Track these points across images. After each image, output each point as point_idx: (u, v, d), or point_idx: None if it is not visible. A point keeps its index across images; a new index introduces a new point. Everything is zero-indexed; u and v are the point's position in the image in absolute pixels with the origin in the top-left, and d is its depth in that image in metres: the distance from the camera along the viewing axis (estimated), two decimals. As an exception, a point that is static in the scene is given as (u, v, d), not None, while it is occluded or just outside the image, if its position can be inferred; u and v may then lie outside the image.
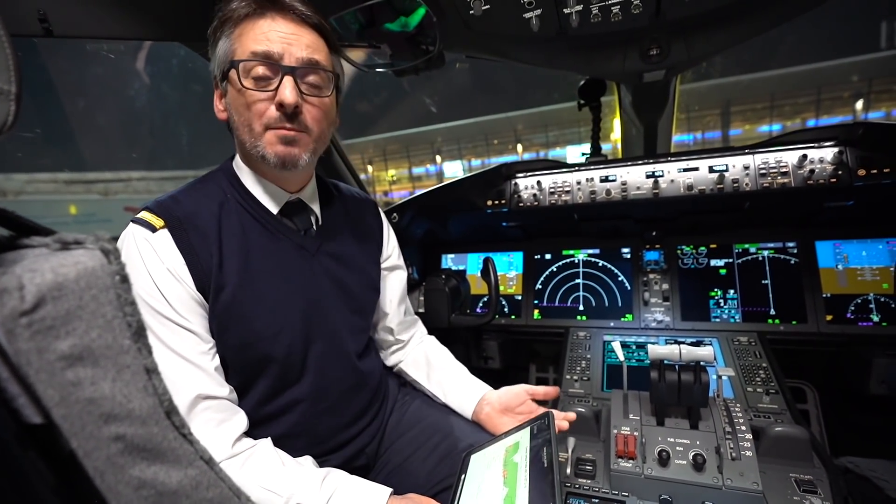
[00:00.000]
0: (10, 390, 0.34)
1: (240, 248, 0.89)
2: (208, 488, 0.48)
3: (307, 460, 0.92)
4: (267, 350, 0.91)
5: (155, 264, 0.80)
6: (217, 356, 0.86)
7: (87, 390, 0.39)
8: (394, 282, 1.25)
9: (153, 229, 0.81)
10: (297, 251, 0.97)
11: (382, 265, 1.21)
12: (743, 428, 1.01)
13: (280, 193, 0.96)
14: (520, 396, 1.09)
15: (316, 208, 1.04)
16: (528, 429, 0.91)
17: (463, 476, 0.89)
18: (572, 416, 1.05)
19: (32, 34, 0.89)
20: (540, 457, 0.80)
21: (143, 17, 1.07)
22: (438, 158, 23.83)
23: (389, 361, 1.30)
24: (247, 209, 0.93)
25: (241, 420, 0.85)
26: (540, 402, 1.13)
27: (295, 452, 0.91)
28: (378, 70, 1.38)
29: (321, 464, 0.95)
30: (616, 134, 2.01)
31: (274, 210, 0.96)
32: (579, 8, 1.07)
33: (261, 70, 0.82)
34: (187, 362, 0.80)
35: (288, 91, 0.81)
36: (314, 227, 1.03)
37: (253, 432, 0.89)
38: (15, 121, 0.44)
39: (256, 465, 0.82)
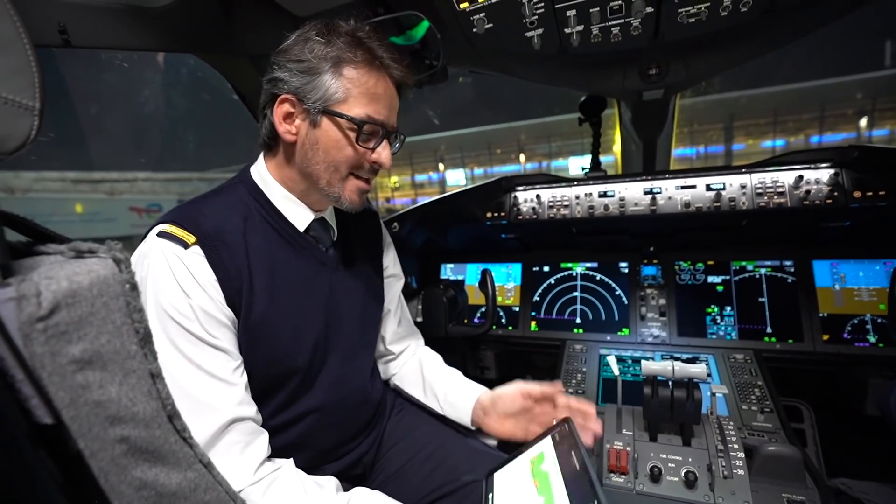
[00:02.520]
0: (25, 391, 0.36)
1: (267, 264, 0.90)
2: (206, 491, 0.50)
3: (330, 482, 0.91)
4: (291, 364, 0.92)
5: (188, 282, 0.78)
6: (245, 373, 0.85)
7: (95, 393, 0.41)
8: (391, 291, 1.26)
9: (185, 245, 0.79)
10: (319, 267, 0.99)
11: (384, 273, 1.23)
12: (735, 446, 1.02)
13: (308, 213, 0.98)
14: (517, 401, 1.05)
15: (334, 225, 1.06)
16: (549, 437, 0.90)
17: (490, 495, 0.87)
18: (598, 429, 1.00)
19: (52, 45, 0.92)
20: (570, 461, 0.80)
21: (159, 29, 1.11)
22: (441, 166, 23.93)
23: (382, 373, 1.29)
24: (272, 225, 0.94)
25: (263, 442, 0.84)
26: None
27: (296, 463, 0.91)
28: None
29: (319, 472, 0.95)
30: (617, 146, 2.04)
31: (301, 227, 0.97)
32: (580, 28, 1.10)
33: (371, 130, 0.89)
34: (221, 381, 0.79)
35: (387, 155, 0.91)
36: (332, 243, 1.05)
37: None
38: (37, 134, 0.46)
39: (278, 492, 0.81)
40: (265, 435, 0.85)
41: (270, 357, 0.89)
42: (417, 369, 1.26)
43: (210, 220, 0.85)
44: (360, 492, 0.89)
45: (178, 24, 1.11)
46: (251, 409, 0.83)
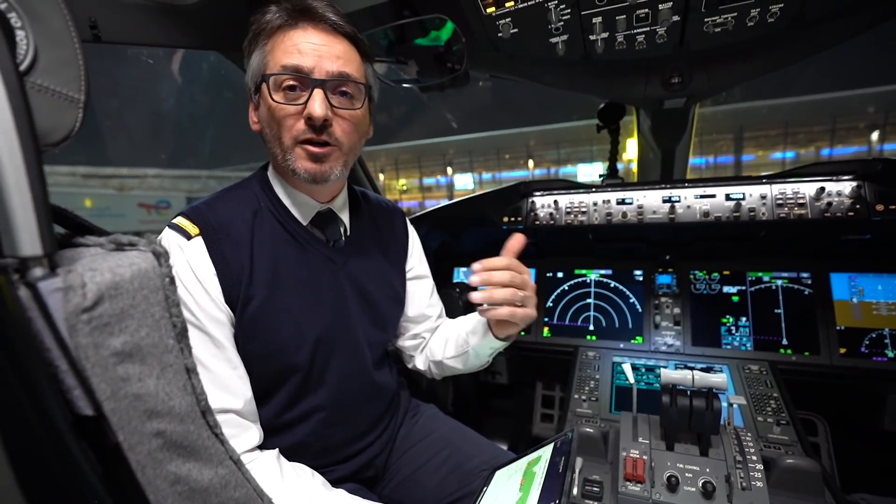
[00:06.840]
0: (67, 382, 0.36)
1: (270, 258, 0.89)
2: (235, 488, 0.50)
3: (305, 470, 0.89)
4: (290, 360, 0.91)
5: (184, 270, 0.80)
6: (237, 367, 0.84)
7: (134, 386, 0.40)
8: (422, 289, 1.23)
9: (188, 237, 0.82)
10: (325, 263, 0.97)
11: (408, 275, 1.20)
12: (754, 458, 1.00)
13: (311, 204, 0.96)
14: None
15: (346, 218, 1.03)
16: (552, 444, 0.94)
17: (485, 488, 0.92)
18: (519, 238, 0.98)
19: (83, 40, 0.93)
20: (557, 465, 0.83)
21: (184, 26, 1.12)
22: (449, 170, 23.97)
23: (419, 363, 1.24)
24: (278, 219, 0.93)
25: (250, 437, 0.82)
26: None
27: (306, 461, 0.91)
28: (404, 85, 1.41)
29: (330, 474, 0.95)
30: (629, 154, 2.03)
31: (304, 221, 0.96)
32: (605, 35, 1.09)
33: (291, 83, 0.82)
34: (202, 367, 0.77)
35: (317, 105, 0.80)
36: (343, 238, 1.02)
37: (268, 440, 0.89)
38: (81, 127, 0.47)
39: (254, 474, 0.79)
40: (253, 430, 0.83)
41: (267, 350, 0.88)
42: (440, 332, 1.23)
43: (219, 213, 0.87)
44: (341, 493, 0.87)
45: (206, 22, 1.12)
46: (236, 402, 0.81)
